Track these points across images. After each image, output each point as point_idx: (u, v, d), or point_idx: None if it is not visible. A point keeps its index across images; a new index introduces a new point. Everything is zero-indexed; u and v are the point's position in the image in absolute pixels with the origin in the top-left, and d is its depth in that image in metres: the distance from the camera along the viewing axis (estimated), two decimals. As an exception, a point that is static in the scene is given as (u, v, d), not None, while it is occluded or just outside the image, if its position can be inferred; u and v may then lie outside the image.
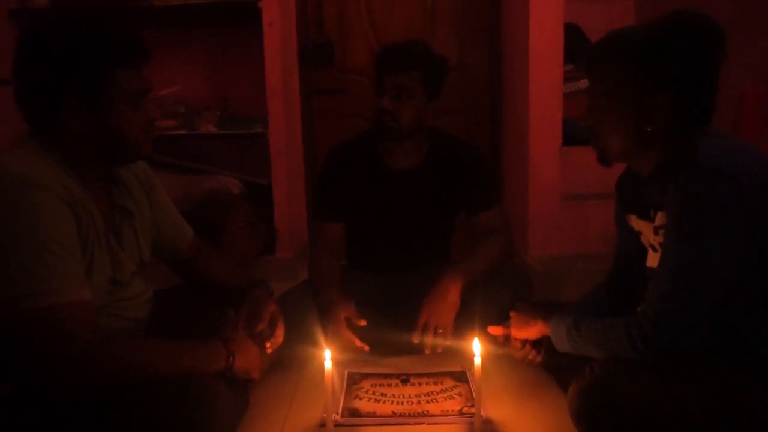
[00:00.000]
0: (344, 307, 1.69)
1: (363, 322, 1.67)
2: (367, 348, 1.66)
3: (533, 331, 1.46)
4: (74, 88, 1.12)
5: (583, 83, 2.74)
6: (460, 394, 1.51)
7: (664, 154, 1.17)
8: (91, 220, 1.16)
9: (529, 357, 1.53)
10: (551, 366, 1.54)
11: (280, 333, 1.43)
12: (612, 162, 1.24)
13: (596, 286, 1.50)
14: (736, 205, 1.03)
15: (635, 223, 1.30)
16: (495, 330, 1.57)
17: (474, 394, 1.44)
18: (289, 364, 1.66)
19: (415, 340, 1.65)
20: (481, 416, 1.35)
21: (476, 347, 1.32)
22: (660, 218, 1.17)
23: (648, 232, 1.24)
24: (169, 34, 2.80)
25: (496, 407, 1.45)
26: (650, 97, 1.13)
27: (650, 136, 1.15)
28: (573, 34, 2.74)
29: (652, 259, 1.23)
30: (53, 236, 1.05)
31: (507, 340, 1.55)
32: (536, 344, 1.51)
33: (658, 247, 1.20)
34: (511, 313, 1.52)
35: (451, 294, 1.67)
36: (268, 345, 1.38)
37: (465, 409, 1.43)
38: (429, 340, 1.64)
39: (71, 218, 1.10)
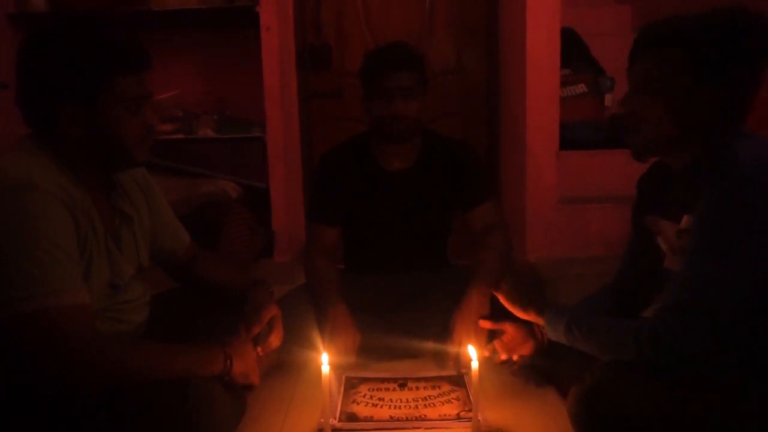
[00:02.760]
0: (348, 330, 1.69)
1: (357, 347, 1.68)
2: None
3: (525, 315, 1.43)
4: (72, 94, 1.12)
5: (580, 87, 2.75)
6: (457, 399, 1.51)
7: (699, 151, 1.14)
8: (90, 224, 1.17)
9: (510, 360, 1.53)
10: (548, 370, 1.54)
11: (275, 338, 1.42)
12: (647, 155, 1.21)
13: (601, 289, 1.48)
14: None
15: (653, 223, 1.27)
16: (485, 323, 1.58)
17: (471, 398, 1.44)
18: (286, 368, 1.66)
19: (452, 370, 1.65)
20: (479, 420, 1.35)
21: (473, 351, 1.32)
22: (686, 221, 1.14)
23: (668, 233, 1.21)
24: (166, 39, 2.80)
25: (493, 411, 1.45)
26: (703, 87, 1.10)
27: (693, 129, 1.13)
28: (569, 39, 2.75)
29: (671, 262, 1.21)
30: (52, 239, 1.05)
31: (498, 334, 1.56)
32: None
33: (678, 250, 1.18)
34: (504, 286, 1.49)
35: (479, 315, 1.64)
36: (258, 349, 1.37)
37: (462, 414, 1.43)
38: (466, 363, 1.56)
39: (70, 221, 1.10)
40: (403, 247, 1.90)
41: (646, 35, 1.17)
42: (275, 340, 1.42)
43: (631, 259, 1.41)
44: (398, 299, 1.87)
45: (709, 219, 1.06)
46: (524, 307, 1.43)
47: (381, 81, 1.75)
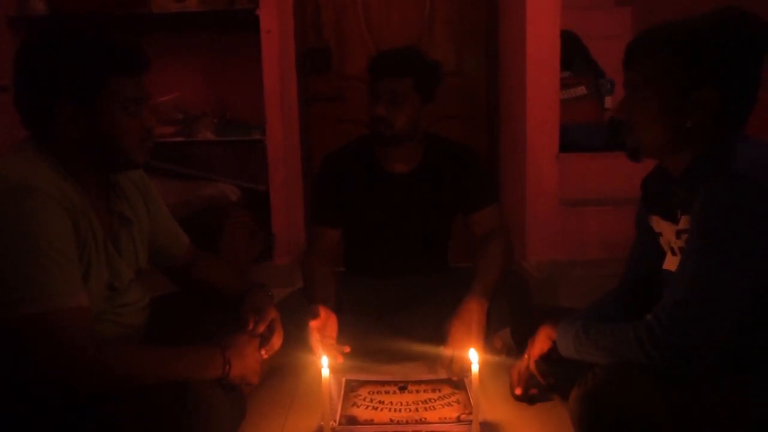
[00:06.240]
0: (322, 317, 1.64)
1: (347, 349, 1.64)
2: (347, 349, 1.64)
3: (541, 338, 1.41)
4: (69, 95, 1.12)
5: (581, 90, 2.75)
6: (458, 402, 1.51)
7: (698, 154, 1.14)
8: (89, 226, 1.17)
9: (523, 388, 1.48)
10: (549, 373, 1.53)
11: (276, 340, 1.42)
12: (642, 157, 1.21)
13: (605, 294, 1.46)
14: (766, 219, 1.01)
15: (656, 223, 1.27)
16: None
17: (472, 401, 1.44)
18: (286, 371, 1.65)
19: (443, 374, 1.63)
20: (479, 423, 1.34)
21: (474, 355, 1.32)
22: (684, 222, 1.15)
23: (669, 233, 1.22)
24: (167, 41, 2.80)
25: (493, 414, 1.45)
26: (695, 90, 1.10)
27: (688, 133, 1.12)
28: (570, 41, 2.75)
29: (670, 263, 1.21)
30: (51, 241, 1.05)
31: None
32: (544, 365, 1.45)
33: (677, 251, 1.18)
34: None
35: (475, 323, 1.62)
36: (263, 352, 1.37)
37: (463, 417, 1.43)
38: (458, 369, 1.59)
39: (69, 223, 1.10)
40: (403, 249, 1.90)
41: (639, 41, 1.17)
42: (277, 342, 1.42)
43: (635, 261, 1.40)
44: (398, 302, 1.86)
45: (701, 218, 1.06)
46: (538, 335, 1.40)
47: (372, 83, 1.78)
